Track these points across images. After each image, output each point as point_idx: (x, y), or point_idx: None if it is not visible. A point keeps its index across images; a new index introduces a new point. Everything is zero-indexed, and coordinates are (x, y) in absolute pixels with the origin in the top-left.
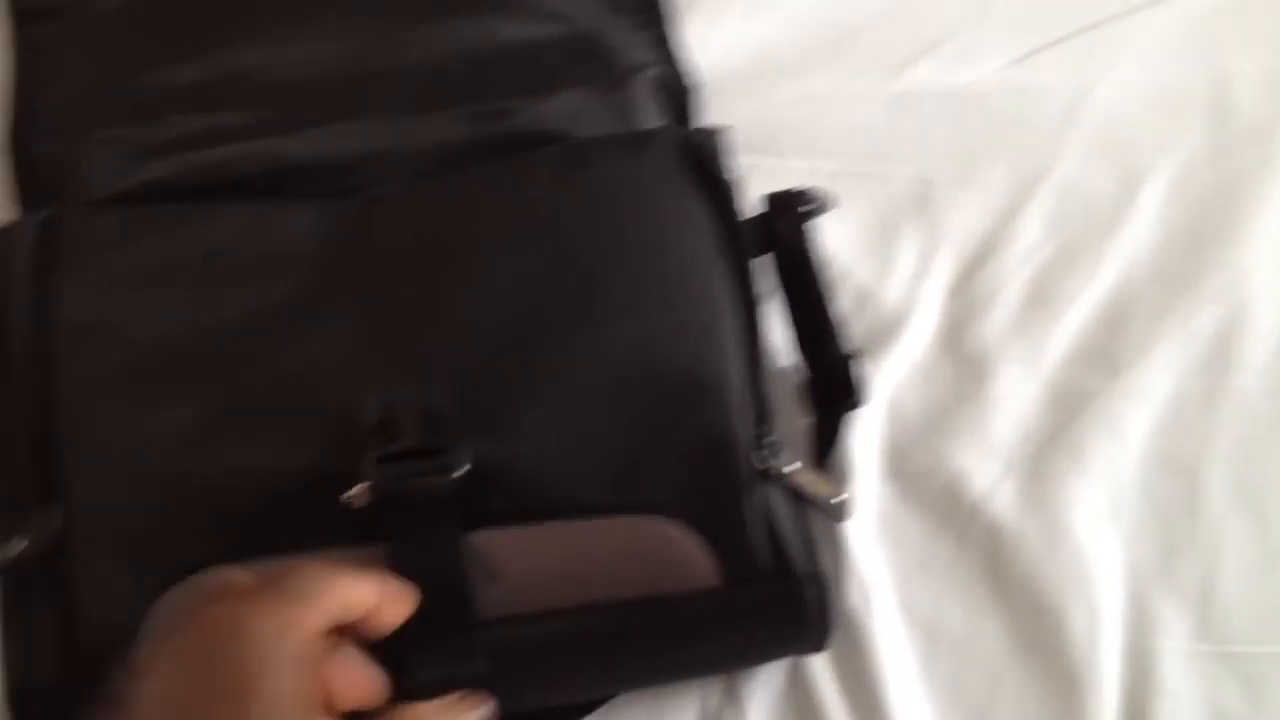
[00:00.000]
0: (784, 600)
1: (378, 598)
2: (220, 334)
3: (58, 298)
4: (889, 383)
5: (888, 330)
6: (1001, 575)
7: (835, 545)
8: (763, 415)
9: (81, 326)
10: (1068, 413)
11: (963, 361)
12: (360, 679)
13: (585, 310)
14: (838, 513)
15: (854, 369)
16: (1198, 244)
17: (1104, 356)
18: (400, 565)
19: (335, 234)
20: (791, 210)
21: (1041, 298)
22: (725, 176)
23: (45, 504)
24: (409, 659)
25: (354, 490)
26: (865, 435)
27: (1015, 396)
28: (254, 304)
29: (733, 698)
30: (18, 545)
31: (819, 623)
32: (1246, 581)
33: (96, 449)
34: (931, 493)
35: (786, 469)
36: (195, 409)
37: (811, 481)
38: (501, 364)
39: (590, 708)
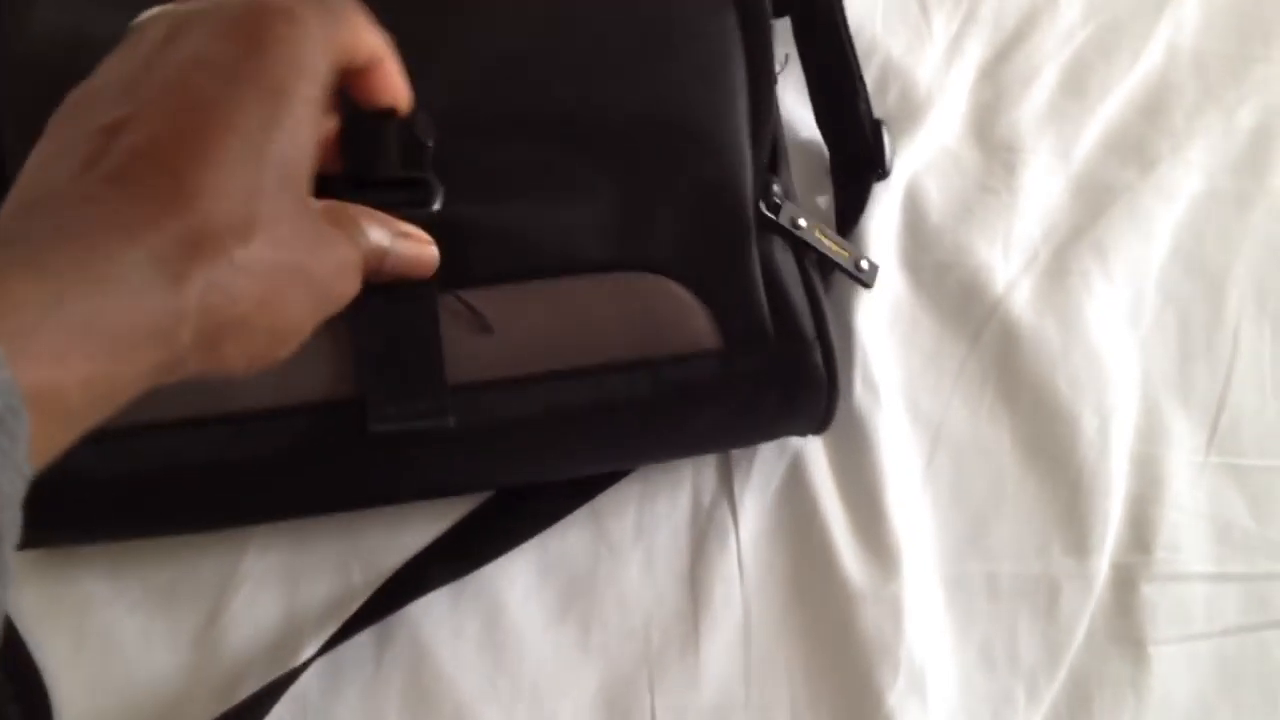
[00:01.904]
0: (788, 364)
1: (371, 55)
2: None
3: None
4: (911, 166)
5: (914, 110)
6: (1013, 377)
7: (842, 336)
8: (772, 165)
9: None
10: (1095, 208)
11: (990, 149)
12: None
13: (585, 53)
14: (864, 277)
15: (880, 135)
16: (1243, 31)
17: (1137, 150)
18: (367, 315)
19: None
20: None
21: (1077, 84)
22: None
23: None
24: (366, 405)
25: None
26: (883, 221)
27: (1042, 189)
28: None
29: (727, 491)
30: None
31: (824, 392)
32: (1260, 392)
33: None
34: (948, 286)
35: (796, 221)
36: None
37: (825, 240)
38: (493, 104)
39: (583, 494)
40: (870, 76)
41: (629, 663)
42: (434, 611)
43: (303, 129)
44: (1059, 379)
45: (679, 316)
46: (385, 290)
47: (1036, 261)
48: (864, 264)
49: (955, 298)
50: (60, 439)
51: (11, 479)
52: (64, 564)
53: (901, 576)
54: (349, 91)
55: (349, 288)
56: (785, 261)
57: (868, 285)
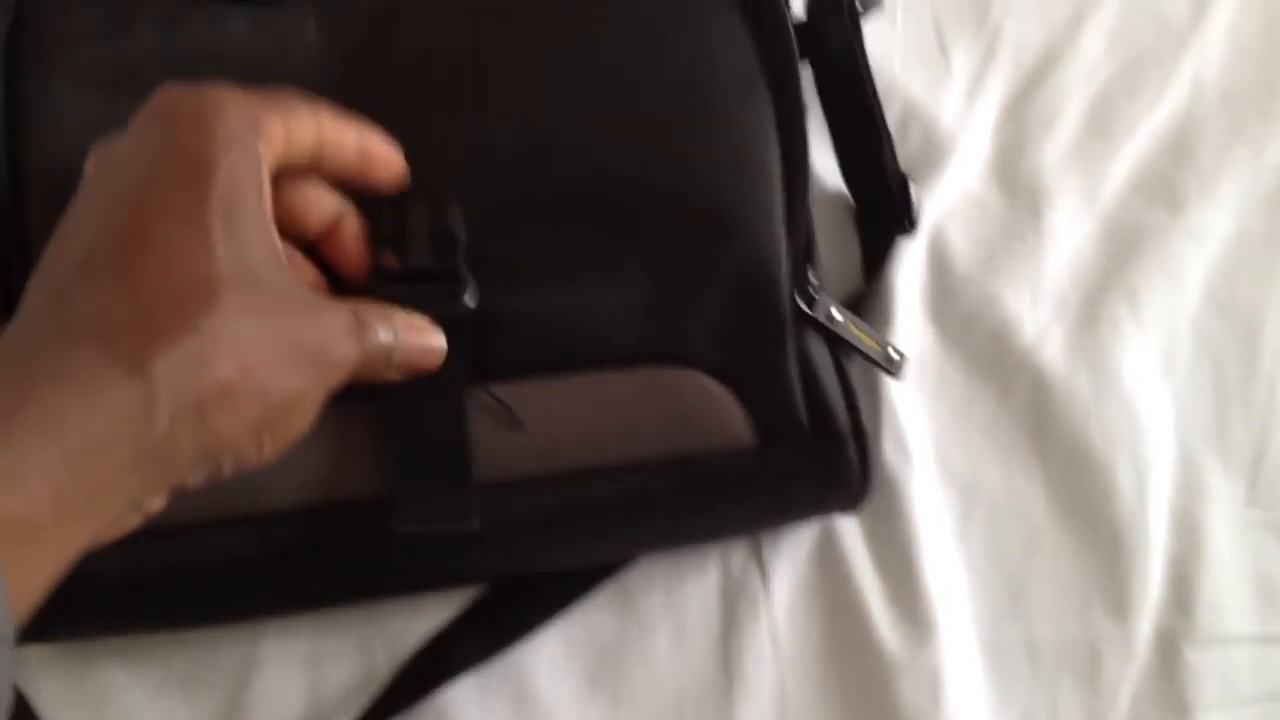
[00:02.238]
0: (824, 461)
1: (358, 149)
2: None
3: (34, 94)
4: (935, 213)
5: (937, 153)
6: (1046, 431)
7: (870, 393)
8: (806, 254)
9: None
10: (1124, 253)
11: (1015, 193)
12: (321, 200)
13: (614, 134)
14: (894, 369)
15: (908, 190)
16: (1270, 64)
17: (1166, 191)
18: (394, 412)
19: (343, 46)
20: (839, 11)
21: (1102, 122)
22: None
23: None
24: (393, 505)
25: None
26: (908, 271)
27: (1070, 233)
28: None
29: (757, 559)
30: None
31: (859, 484)
32: None
33: None
34: (976, 338)
35: (832, 315)
36: None
37: (858, 332)
38: (518, 195)
39: (611, 570)
40: (891, 118)
41: None
42: (461, 691)
43: (239, 190)
44: (1093, 432)
45: (713, 413)
46: (412, 387)
47: (1066, 310)
48: (893, 353)
49: (984, 350)
50: (48, 563)
51: None
52: (81, 652)
53: (939, 644)
54: (353, 188)
55: (347, 352)
56: (820, 354)
57: (895, 376)
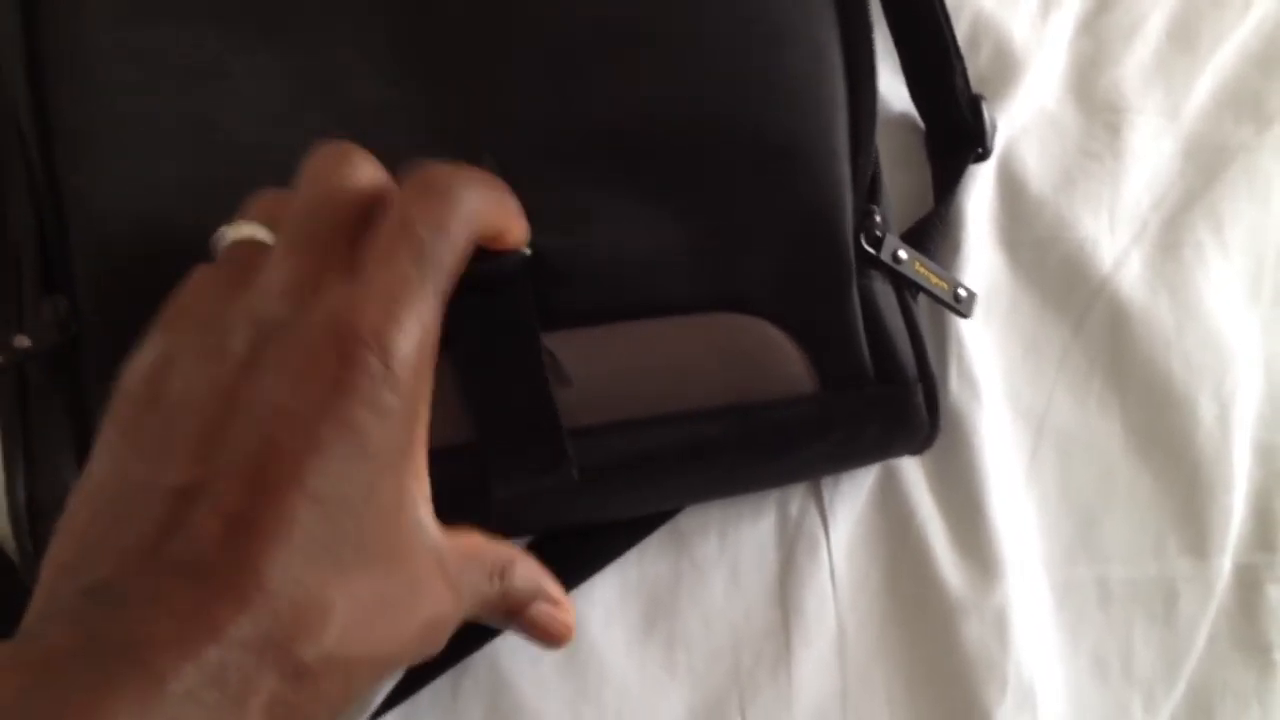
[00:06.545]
0: (889, 407)
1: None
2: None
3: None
4: (1007, 132)
5: (1009, 70)
6: (1123, 362)
7: (937, 325)
8: (871, 190)
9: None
10: (1208, 172)
11: (1092, 110)
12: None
13: (669, 60)
14: (963, 309)
15: (980, 113)
16: None
17: (1253, 105)
18: (469, 367)
19: None
20: None
21: (1185, 34)
22: None
23: (49, 294)
24: (487, 471)
25: None
26: (979, 195)
27: (1150, 152)
28: (289, 63)
29: (816, 501)
30: (20, 341)
31: (926, 428)
32: None
33: (100, 217)
34: (1050, 266)
35: (898, 255)
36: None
37: (925, 272)
38: (566, 121)
39: (665, 515)
40: (961, 34)
41: (718, 684)
42: (511, 637)
43: (391, 478)
44: (1173, 363)
45: (774, 361)
46: (486, 341)
47: (1146, 233)
48: (962, 292)
49: (1058, 277)
50: None
51: None
52: None
53: (1006, 585)
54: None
55: (430, 650)
56: (885, 296)
57: (965, 315)
